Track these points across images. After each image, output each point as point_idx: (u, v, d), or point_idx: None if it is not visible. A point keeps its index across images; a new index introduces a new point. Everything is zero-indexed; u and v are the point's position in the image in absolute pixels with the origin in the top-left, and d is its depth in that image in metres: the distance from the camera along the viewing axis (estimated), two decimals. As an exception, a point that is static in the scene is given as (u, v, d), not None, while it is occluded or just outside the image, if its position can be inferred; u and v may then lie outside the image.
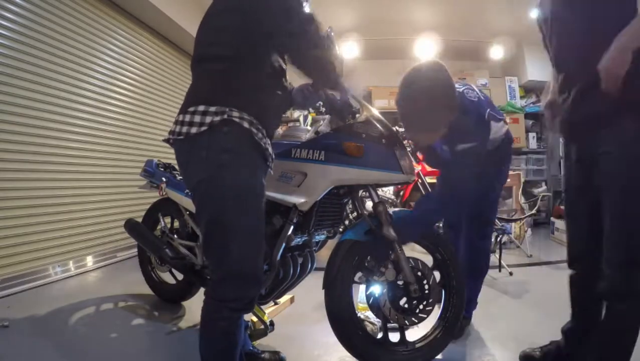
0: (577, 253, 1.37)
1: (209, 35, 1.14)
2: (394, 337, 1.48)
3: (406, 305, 1.42)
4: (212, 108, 1.04)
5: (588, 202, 1.23)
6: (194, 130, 1.04)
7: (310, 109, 1.72)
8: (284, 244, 1.44)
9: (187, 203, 1.87)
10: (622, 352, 1.14)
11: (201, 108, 1.05)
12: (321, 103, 1.50)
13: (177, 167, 1.71)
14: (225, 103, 1.06)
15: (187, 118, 1.06)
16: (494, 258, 2.91)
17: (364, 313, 1.72)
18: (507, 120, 5.37)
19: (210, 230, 1.08)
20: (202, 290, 1.71)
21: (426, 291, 1.43)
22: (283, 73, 1.23)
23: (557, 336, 1.74)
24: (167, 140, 1.15)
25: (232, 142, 1.05)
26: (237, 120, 1.05)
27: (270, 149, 1.15)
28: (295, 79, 1.41)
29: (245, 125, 1.06)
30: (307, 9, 1.12)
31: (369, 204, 1.53)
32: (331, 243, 1.67)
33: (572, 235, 1.39)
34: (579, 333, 1.39)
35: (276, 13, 1.07)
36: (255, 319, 1.67)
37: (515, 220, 3.48)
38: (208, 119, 1.03)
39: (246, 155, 1.08)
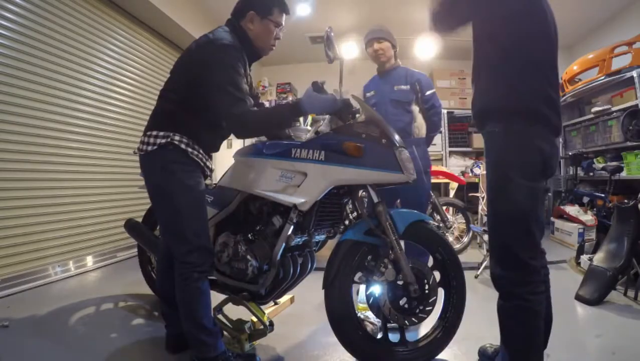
0: None
1: (171, 80, 1.50)
2: (394, 337, 1.48)
3: (406, 305, 1.41)
4: (161, 133, 1.42)
5: None
6: (150, 148, 1.41)
7: None
8: (284, 244, 1.44)
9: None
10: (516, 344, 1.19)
11: (154, 133, 1.43)
12: None
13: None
14: (172, 130, 1.42)
15: (146, 139, 1.44)
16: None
17: (364, 313, 1.72)
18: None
19: (162, 221, 1.54)
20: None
21: (426, 291, 1.43)
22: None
23: (557, 335, 1.74)
24: (135, 153, 1.51)
25: (176, 156, 1.42)
26: (176, 142, 1.41)
27: (205, 162, 1.52)
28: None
29: (182, 146, 1.42)
30: (242, 102, 1.36)
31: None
32: (331, 243, 1.67)
33: None
34: None
35: (214, 101, 1.39)
36: (255, 319, 1.67)
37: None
38: (158, 140, 1.41)
39: (186, 164, 1.44)
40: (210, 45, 1.39)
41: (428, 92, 2.36)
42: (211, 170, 1.59)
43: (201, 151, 1.49)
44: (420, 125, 2.39)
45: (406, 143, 1.54)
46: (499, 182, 1.17)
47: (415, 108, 2.39)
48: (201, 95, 1.41)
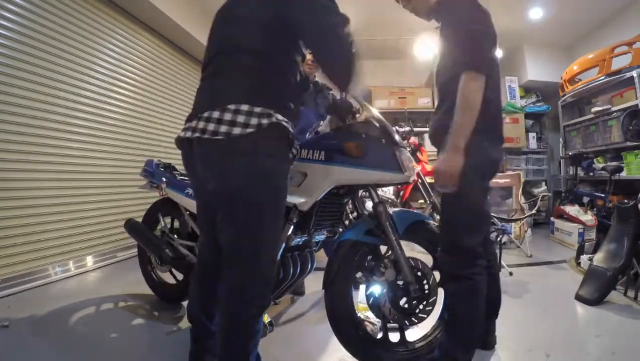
0: None
1: (237, 27, 1.09)
2: (394, 337, 1.48)
3: (406, 305, 1.41)
4: (257, 109, 1.00)
5: None
6: (237, 130, 0.98)
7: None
8: (284, 244, 1.44)
9: (187, 203, 1.86)
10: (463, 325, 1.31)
11: (245, 108, 0.99)
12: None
13: (177, 167, 1.70)
14: (269, 105, 1.02)
15: (228, 116, 0.99)
16: (494, 258, 2.90)
17: (364, 313, 1.72)
18: (507, 120, 5.27)
19: (244, 236, 1.07)
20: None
21: (426, 292, 1.43)
22: (307, 80, 1.26)
23: (557, 335, 1.74)
24: (186, 139, 1.07)
25: (277, 148, 1.05)
26: (284, 123, 1.03)
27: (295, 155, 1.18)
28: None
29: (290, 127, 1.06)
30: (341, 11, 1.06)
31: (369, 204, 1.53)
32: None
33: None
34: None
35: (312, 8, 1.02)
36: (255, 319, 1.67)
37: (515, 220, 3.48)
38: (254, 120, 0.98)
39: (286, 162, 1.10)
40: None
41: None
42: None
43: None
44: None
45: None
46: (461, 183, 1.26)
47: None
48: (290, 35, 1.05)
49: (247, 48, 1.06)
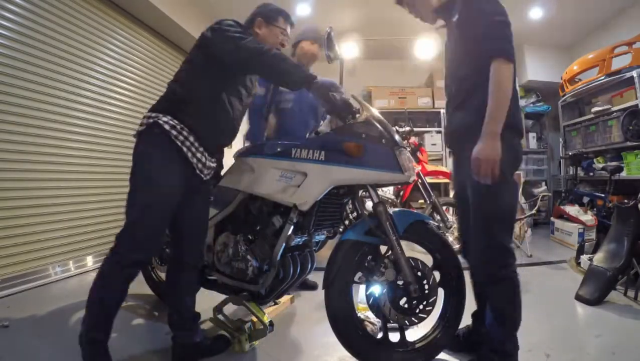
0: (465, 243, 1.57)
1: (179, 69, 1.49)
2: (394, 337, 1.48)
3: (406, 305, 1.41)
4: (152, 114, 1.37)
5: (465, 197, 1.42)
6: (140, 128, 1.40)
7: None
8: (284, 244, 1.44)
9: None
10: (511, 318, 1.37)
11: (148, 113, 1.40)
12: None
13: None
14: (162, 111, 1.37)
15: (140, 121, 1.42)
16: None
17: (364, 313, 1.72)
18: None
19: (128, 201, 1.40)
20: (202, 290, 1.71)
21: (426, 291, 1.43)
22: (231, 103, 1.47)
23: (557, 335, 1.74)
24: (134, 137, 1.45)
25: (152, 140, 1.35)
26: (161, 122, 1.34)
27: (197, 155, 1.40)
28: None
29: (166, 127, 1.33)
30: (246, 40, 1.36)
31: (369, 204, 1.53)
32: (331, 243, 1.67)
33: (460, 226, 1.65)
34: (481, 314, 1.54)
35: (225, 52, 1.38)
36: (255, 319, 1.67)
37: (515, 220, 3.48)
38: (145, 120, 1.38)
39: (159, 151, 1.35)
40: (213, 24, 1.45)
41: None
42: (208, 169, 1.47)
43: (196, 144, 1.39)
44: None
45: None
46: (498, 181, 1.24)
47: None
48: (206, 63, 1.41)
49: (175, 79, 1.47)
